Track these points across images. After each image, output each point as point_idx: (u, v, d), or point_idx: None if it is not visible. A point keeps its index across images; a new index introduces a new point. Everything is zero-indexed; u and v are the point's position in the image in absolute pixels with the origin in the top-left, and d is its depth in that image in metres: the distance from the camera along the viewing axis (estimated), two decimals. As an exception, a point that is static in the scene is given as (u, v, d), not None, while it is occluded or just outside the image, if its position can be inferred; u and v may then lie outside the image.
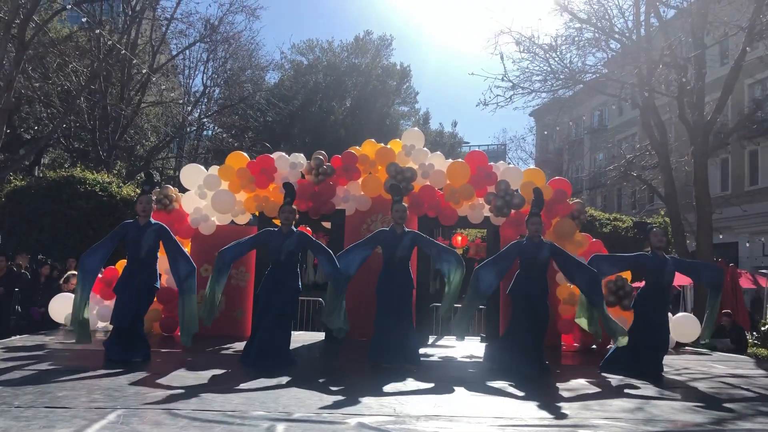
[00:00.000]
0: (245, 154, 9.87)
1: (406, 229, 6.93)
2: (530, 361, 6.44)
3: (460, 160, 9.88)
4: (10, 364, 5.80)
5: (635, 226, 8.80)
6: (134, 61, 21.02)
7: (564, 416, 4.52)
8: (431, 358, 7.85)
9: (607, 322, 6.53)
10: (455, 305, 6.78)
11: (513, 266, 6.88)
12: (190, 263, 6.55)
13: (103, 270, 9.07)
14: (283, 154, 9.78)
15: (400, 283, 6.69)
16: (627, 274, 9.56)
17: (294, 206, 6.90)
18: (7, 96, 12.71)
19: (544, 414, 4.58)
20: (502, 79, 13.79)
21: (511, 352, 6.57)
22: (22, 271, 11.16)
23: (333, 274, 6.52)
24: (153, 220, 6.75)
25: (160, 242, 6.67)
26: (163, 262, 6.93)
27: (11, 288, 10.32)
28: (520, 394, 5.43)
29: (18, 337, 8.07)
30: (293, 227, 6.81)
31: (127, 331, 6.38)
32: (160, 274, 8.17)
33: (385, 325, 6.58)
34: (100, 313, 8.93)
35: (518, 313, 6.72)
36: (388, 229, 6.94)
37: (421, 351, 7.07)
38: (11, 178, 14.77)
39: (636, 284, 10.04)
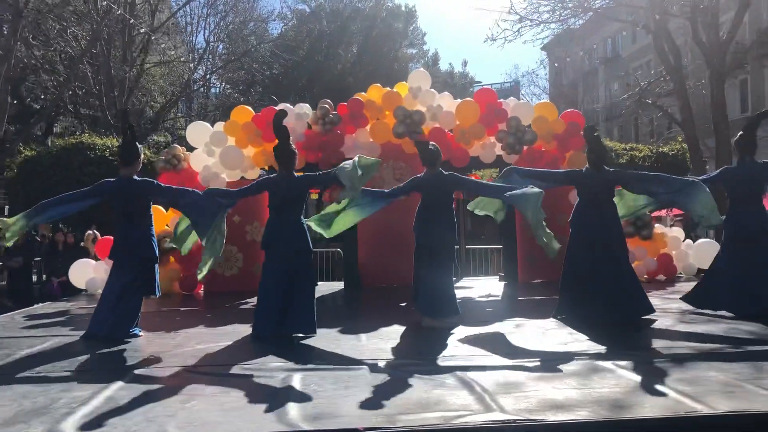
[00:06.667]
0: (250, 108, 9.73)
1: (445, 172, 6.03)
2: (611, 306, 5.64)
3: (468, 99, 9.67)
4: (32, 331, 5.88)
5: None
6: (132, 21, 20.71)
7: (584, 351, 4.48)
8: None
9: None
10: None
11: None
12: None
13: None
14: (288, 105, 9.62)
15: (440, 230, 5.85)
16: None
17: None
18: (8, 65, 12.58)
19: (564, 349, 4.55)
20: (509, 12, 13.46)
21: (583, 296, 5.76)
22: (43, 240, 11.29)
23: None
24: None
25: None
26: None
27: (31, 258, 10.46)
28: (542, 329, 5.40)
29: (40, 305, 8.18)
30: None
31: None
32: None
33: (425, 274, 5.86)
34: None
35: (576, 250, 5.86)
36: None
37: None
38: (22, 149, 14.77)
39: (656, 213, 9.91)
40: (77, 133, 22.38)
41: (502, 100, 9.73)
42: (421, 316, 5.82)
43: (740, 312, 5.75)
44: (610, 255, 5.80)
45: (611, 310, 5.61)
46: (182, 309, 7.53)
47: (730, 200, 6.13)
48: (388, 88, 9.62)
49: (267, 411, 3.07)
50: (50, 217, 5.71)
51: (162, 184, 5.88)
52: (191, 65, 26.18)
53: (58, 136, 24.00)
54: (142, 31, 21.53)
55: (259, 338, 5.21)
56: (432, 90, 9.62)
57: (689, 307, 6.30)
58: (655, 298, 7.30)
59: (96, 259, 9.46)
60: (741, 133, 6.13)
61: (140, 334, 5.48)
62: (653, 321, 5.64)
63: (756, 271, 5.84)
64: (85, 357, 4.55)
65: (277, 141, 5.56)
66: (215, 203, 5.41)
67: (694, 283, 6.80)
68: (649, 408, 2.99)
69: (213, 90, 31.59)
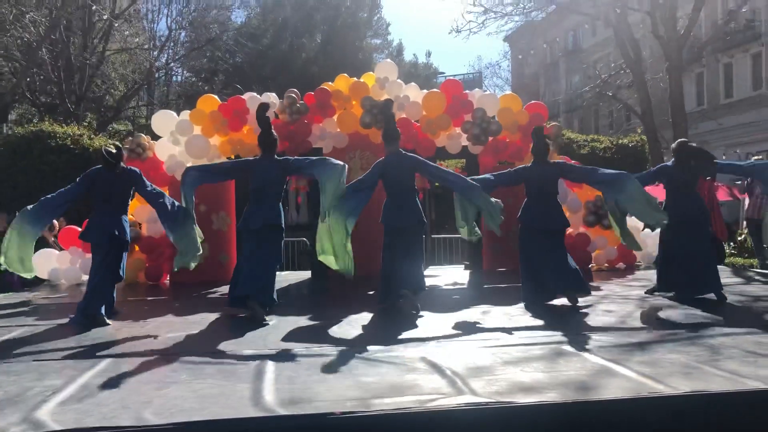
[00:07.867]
0: (216, 97, 9.66)
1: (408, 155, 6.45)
2: (558, 282, 6.07)
3: (435, 90, 9.75)
4: (-5, 322, 5.79)
5: None
6: (94, 7, 20.26)
7: (550, 335, 4.61)
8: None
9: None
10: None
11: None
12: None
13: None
14: (255, 94, 9.58)
15: (407, 216, 6.10)
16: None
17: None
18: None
19: (531, 334, 4.68)
20: (474, 4, 13.58)
21: (539, 282, 6.19)
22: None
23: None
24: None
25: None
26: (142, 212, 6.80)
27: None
28: (507, 316, 5.53)
29: (2, 295, 8.03)
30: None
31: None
32: (139, 224, 8.10)
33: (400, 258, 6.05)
34: (84, 265, 8.89)
35: (527, 240, 6.30)
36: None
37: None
38: (-22, 136, 14.39)
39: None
40: (34, 120, 21.84)
41: (468, 91, 9.83)
42: (401, 298, 5.92)
43: (684, 294, 6.18)
44: (554, 241, 6.28)
45: (558, 286, 6.08)
46: (149, 298, 7.49)
47: (668, 191, 6.56)
48: (355, 78, 9.64)
49: (243, 397, 3.11)
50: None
51: (145, 180, 6.02)
52: (154, 53, 25.72)
53: (15, 123, 23.39)
54: (104, 18, 21.04)
55: (234, 305, 5.75)
56: (399, 80, 9.67)
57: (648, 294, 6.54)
58: (615, 285, 7.56)
59: (59, 248, 9.32)
60: (685, 149, 6.49)
61: (108, 322, 5.48)
62: (615, 306, 5.83)
63: (697, 257, 6.23)
64: (53, 346, 4.52)
65: (260, 129, 6.09)
66: (183, 213, 5.76)
67: (653, 271, 7.04)
68: (614, 390, 3.12)
69: (175, 78, 31.11)
